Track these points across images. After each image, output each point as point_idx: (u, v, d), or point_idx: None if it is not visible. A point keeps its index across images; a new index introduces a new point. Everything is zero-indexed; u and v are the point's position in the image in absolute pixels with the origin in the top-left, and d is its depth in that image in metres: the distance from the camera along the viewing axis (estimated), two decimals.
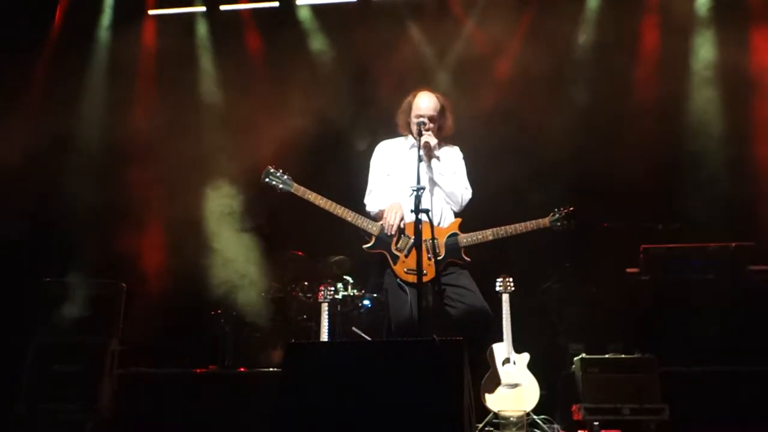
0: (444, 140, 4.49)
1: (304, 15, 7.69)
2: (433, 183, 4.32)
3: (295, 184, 4.38)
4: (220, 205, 6.53)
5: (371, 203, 4.44)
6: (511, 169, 6.53)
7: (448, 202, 4.39)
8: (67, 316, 5.48)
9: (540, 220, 4.32)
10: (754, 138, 6.72)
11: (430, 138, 4.28)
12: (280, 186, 4.39)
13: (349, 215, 4.28)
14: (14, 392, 5.29)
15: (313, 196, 4.33)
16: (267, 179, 4.41)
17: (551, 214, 4.33)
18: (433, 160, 4.35)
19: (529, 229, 4.29)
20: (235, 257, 6.55)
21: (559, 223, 4.31)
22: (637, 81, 7.03)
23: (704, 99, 6.93)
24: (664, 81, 7.00)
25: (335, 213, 4.29)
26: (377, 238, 4.25)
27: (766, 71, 6.80)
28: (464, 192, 4.46)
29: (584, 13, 7.29)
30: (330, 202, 4.30)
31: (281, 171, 4.41)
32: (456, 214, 4.46)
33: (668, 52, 7.07)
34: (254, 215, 6.37)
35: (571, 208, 4.34)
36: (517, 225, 4.29)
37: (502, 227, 4.27)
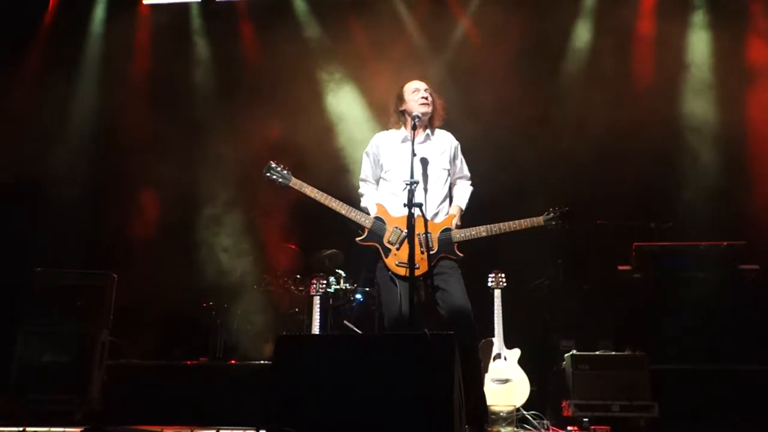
0: (436, 126, 4.52)
1: (299, 6, 7.66)
2: (426, 176, 4.32)
3: (293, 178, 4.43)
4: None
5: (364, 200, 4.49)
6: (506, 166, 6.54)
7: (447, 199, 4.39)
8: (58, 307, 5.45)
9: (534, 218, 4.30)
10: (747, 138, 6.75)
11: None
12: (280, 180, 4.44)
13: (343, 208, 4.32)
14: (3, 382, 5.26)
15: (309, 189, 4.38)
16: (268, 174, 4.46)
17: (546, 213, 4.31)
18: (426, 144, 4.35)
19: (523, 227, 4.26)
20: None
21: (553, 222, 4.28)
22: (632, 79, 7.04)
23: (698, 98, 6.95)
24: (658, 80, 7.02)
25: (330, 206, 4.33)
26: (370, 230, 4.27)
27: (761, 70, 6.82)
28: (468, 191, 4.51)
29: (581, 9, 7.30)
30: (325, 195, 4.35)
31: (282, 166, 4.46)
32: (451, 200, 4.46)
33: (663, 52, 7.08)
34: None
35: (566, 208, 4.31)
36: (511, 222, 4.26)
37: (496, 224, 4.25)
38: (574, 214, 4.30)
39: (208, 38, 7.75)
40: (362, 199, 4.52)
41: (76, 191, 7.15)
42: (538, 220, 4.29)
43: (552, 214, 4.29)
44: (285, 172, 4.44)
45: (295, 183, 4.41)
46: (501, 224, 4.24)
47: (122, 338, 6.06)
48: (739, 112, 6.82)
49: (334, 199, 4.33)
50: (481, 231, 4.24)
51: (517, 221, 4.26)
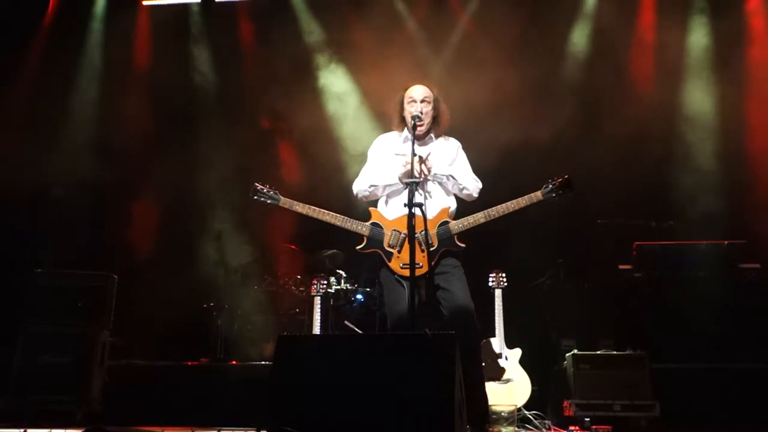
0: (441, 133, 4.47)
1: (298, 5, 7.66)
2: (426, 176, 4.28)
3: (282, 198, 4.40)
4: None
5: (357, 184, 4.43)
6: (505, 165, 6.52)
7: (448, 195, 4.35)
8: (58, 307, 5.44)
9: (533, 194, 4.13)
10: (748, 137, 6.75)
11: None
12: (269, 202, 4.42)
13: (338, 219, 4.27)
14: (3, 382, 5.26)
15: (299, 207, 4.35)
16: (255, 197, 4.45)
17: (544, 186, 4.15)
18: (430, 156, 4.32)
19: (522, 205, 4.11)
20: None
21: (553, 194, 4.11)
22: (632, 78, 7.03)
23: (699, 97, 6.95)
24: (659, 78, 7.01)
25: (323, 219, 4.28)
26: (368, 238, 4.23)
27: (760, 69, 6.81)
28: (472, 182, 4.40)
29: (580, 9, 7.30)
30: (317, 209, 4.31)
31: (267, 187, 4.44)
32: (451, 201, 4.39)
33: (663, 50, 7.08)
34: None
35: (566, 176, 4.12)
36: (508, 203, 4.11)
37: (493, 208, 4.11)
38: (573, 182, 4.12)
39: (207, 38, 7.74)
40: (357, 188, 4.42)
41: (77, 191, 7.14)
42: (537, 195, 4.13)
43: (551, 186, 4.13)
44: (272, 192, 4.40)
45: (285, 202, 4.38)
46: (498, 207, 4.11)
47: (122, 338, 6.06)
48: (740, 112, 6.81)
49: (327, 212, 4.28)
50: (479, 218, 4.13)
51: (515, 200, 4.11)
